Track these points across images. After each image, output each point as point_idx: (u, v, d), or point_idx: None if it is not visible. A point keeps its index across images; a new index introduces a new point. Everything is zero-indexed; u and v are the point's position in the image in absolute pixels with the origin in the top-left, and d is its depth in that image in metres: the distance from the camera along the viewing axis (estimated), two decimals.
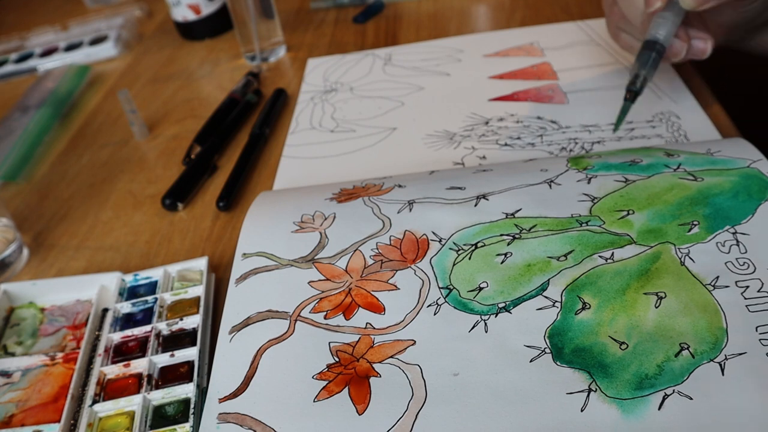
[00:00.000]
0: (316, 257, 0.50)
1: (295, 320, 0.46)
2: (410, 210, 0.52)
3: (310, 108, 0.78)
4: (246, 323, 0.47)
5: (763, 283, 0.41)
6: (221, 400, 0.43)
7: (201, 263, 0.54)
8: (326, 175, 0.65)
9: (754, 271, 0.42)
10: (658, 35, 0.54)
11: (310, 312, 0.47)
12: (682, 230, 0.45)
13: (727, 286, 0.41)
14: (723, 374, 0.37)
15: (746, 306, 0.40)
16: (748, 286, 0.41)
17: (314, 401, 0.41)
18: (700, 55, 0.57)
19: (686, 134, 0.60)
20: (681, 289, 0.42)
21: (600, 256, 0.45)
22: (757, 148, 0.51)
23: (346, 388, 0.42)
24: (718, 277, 0.42)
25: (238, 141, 0.75)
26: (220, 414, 0.42)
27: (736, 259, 0.43)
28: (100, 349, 0.48)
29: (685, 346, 0.39)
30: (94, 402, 0.44)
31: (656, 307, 0.41)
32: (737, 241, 0.44)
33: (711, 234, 0.45)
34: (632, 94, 0.53)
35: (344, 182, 0.59)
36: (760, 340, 0.38)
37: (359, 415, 0.40)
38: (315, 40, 0.96)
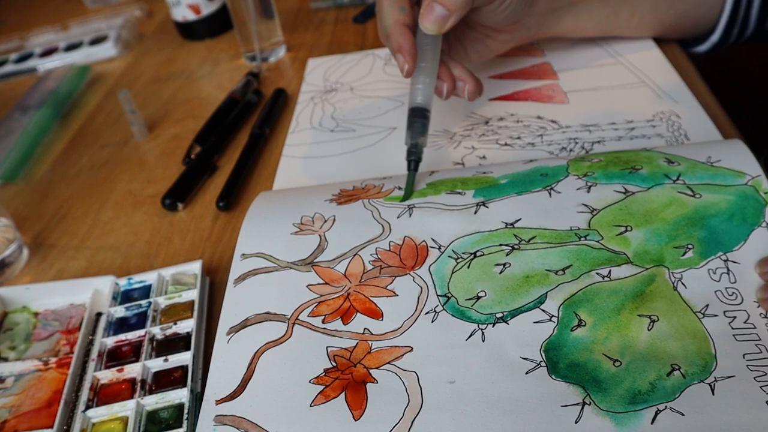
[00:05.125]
0: (315, 260, 0.50)
1: (294, 323, 0.46)
2: (410, 215, 0.51)
3: (310, 108, 0.78)
4: (244, 325, 0.47)
5: (749, 315, 0.42)
6: (218, 402, 0.42)
7: (195, 267, 0.54)
8: (326, 175, 0.65)
9: (741, 302, 0.43)
10: (420, 101, 0.56)
11: (308, 315, 0.47)
12: (676, 253, 0.45)
13: (716, 315, 0.42)
14: (713, 394, 0.38)
15: (733, 335, 0.41)
16: (735, 317, 0.42)
17: (311, 405, 0.41)
18: (463, 96, 0.60)
19: (686, 134, 0.59)
20: (673, 314, 0.42)
21: (597, 273, 0.45)
22: (756, 149, 0.51)
23: (343, 393, 0.41)
24: (707, 306, 0.43)
25: (238, 141, 0.75)
26: (216, 416, 0.42)
27: (726, 288, 0.44)
28: (94, 354, 0.48)
29: (677, 367, 0.39)
30: (88, 407, 0.44)
31: (649, 330, 0.42)
32: (728, 269, 0.44)
33: (704, 260, 0.45)
34: (416, 163, 0.55)
35: (344, 182, 0.58)
36: (747, 366, 0.39)
37: (355, 420, 0.40)
38: (315, 40, 0.95)
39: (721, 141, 0.55)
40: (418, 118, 0.56)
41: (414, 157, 0.55)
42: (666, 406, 0.37)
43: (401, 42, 0.55)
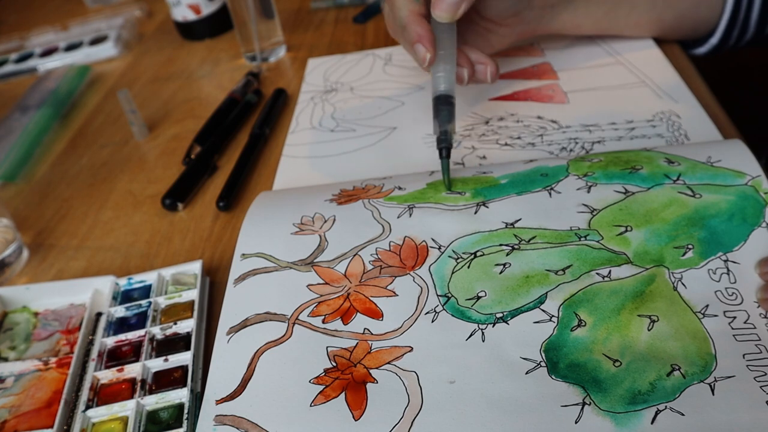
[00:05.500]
0: (315, 260, 0.50)
1: (294, 323, 0.46)
2: (410, 215, 0.51)
3: (310, 108, 0.78)
4: (244, 324, 0.47)
5: (749, 315, 0.42)
6: (218, 402, 0.42)
7: (195, 267, 0.54)
8: (326, 175, 0.65)
9: (741, 303, 0.43)
10: (444, 89, 0.56)
11: (308, 315, 0.47)
12: (676, 254, 0.45)
13: (715, 315, 0.42)
14: (713, 394, 0.38)
15: (733, 335, 0.41)
16: (735, 317, 0.42)
17: (311, 405, 0.41)
18: (485, 80, 0.61)
19: (686, 134, 0.59)
20: (673, 314, 0.42)
21: (597, 273, 0.45)
22: (757, 149, 0.51)
23: (343, 393, 0.41)
24: (707, 306, 0.43)
25: (238, 141, 0.75)
26: (216, 416, 0.42)
27: (726, 288, 0.44)
28: (94, 354, 0.48)
29: (677, 367, 0.39)
30: (88, 407, 0.44)
31: (649, 330, 0.42)
32: (728, 269, 0.44)
33: (704, 260, 0.45)
34: (447, 150, 0.54)
35: (344, 182, 0.58)
36: (747, 366, 0.39)
37: (355, 420, 0.40)
38: (315, 40, 0.95)
39: (721, 141, 0.55)
40: (444, 105, 0.55)
41: (445, 144, 0.54)
42: (666, 406, 0.37)
43: (419, 31, 0.55)
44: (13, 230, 0.63)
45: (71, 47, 1.07)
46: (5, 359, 0.50)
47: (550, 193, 0.51)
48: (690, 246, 0.45)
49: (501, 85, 0.73)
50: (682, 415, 0.37)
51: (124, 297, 0.53)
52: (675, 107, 0.63)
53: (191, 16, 1.00)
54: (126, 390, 0.45)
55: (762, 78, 0.92)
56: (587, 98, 0.68)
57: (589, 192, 0.50)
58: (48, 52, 1.08)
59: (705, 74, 0.68)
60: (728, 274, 0.44)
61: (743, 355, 0.39)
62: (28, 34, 1.15)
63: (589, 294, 0.44)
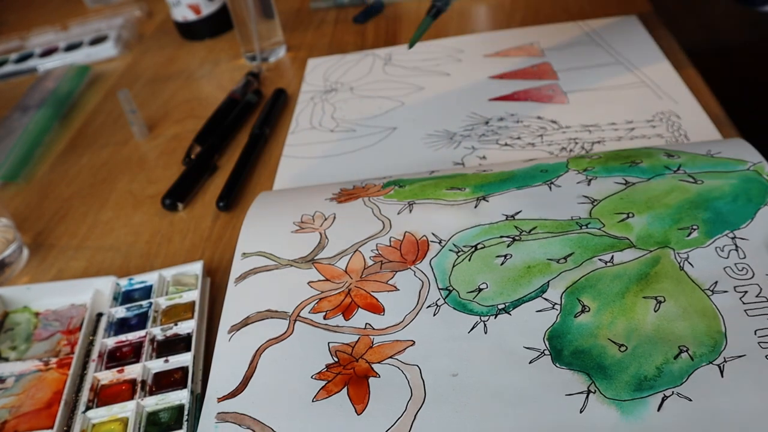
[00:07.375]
0: (315, 258, 0.50)
1: (295, 320, 0.46)
2: (410, 211, 0.52)
3: (310, 108, 0.78)
4: (245, 323, 0.47)
5: (761, 288, 0.41)
6: (220, 400, 0.42)
7: (196, 267, 0.54)
8: (326, 175, 0.65)
9: (752, 277, 0.42)
10: None
11: (309, 312, 0.47)
12: (681, 234, 0.45)
13: (725, 291, 0.42)
14: (722, 376, 0.37)
15: (745, 310, 0.40)
16: (746, 291, 0.41)
17: (313, 401, 0.41)
18: None
19: (686, 134, 0.59)
20: (680, 293, 0.42)
21: (600, 259, 0.45)
22: (757, 148, 0.51)
23: (345, 388, 0.41)
24: (716, 282, 0.42)
25: (238, 141, 0.75)
26: (218, 413, 0.42)
27: (735, 264, 0.43)
28: (94, 355, 0.48)
29: (684, 349, 0.39)
30: (88, 408, 0.44)
31: (655, 311, 0.41)
32: (736, 246, 0.44)
33: (710, 239, 0.45)
34: (436, 9, 0.53)
35: (344, 182, 0.59)
36: (759, 343, 0.38)
37: (358, 415, 0.40)
38: (315, 40, 0.95)
39: (721, 141, 0.55)
40: None
41: (440, 4, 0.53)
42: (673, 392, 0.37)
43: None
44: (13, 230, 0.63)
45: (71, 47, 1.07)
46: (6, 359, 0.50)
47: (550, 187, 0.51)
48: (695, 227, 0.45)
49: (501, 85, 0.73)
50: (690, 400, 0.36)
51: (125, 297, 0.53)
52: (675, 107, 0.63)
53: (191, 16, 1.00)
54: (126, 391, 0.45)
55: (762, 78, 0.92)
56: (587, 98, 0.68)
57: (589, 185, 0.50)
58: (48, 52, 1.07)
59: (705, 74, 0.68)
60: (737, 250, 0.44)
61: (755, 332, 0.39)
62: (28, 34, 1.15)
63: (591, 279, 0.44)
